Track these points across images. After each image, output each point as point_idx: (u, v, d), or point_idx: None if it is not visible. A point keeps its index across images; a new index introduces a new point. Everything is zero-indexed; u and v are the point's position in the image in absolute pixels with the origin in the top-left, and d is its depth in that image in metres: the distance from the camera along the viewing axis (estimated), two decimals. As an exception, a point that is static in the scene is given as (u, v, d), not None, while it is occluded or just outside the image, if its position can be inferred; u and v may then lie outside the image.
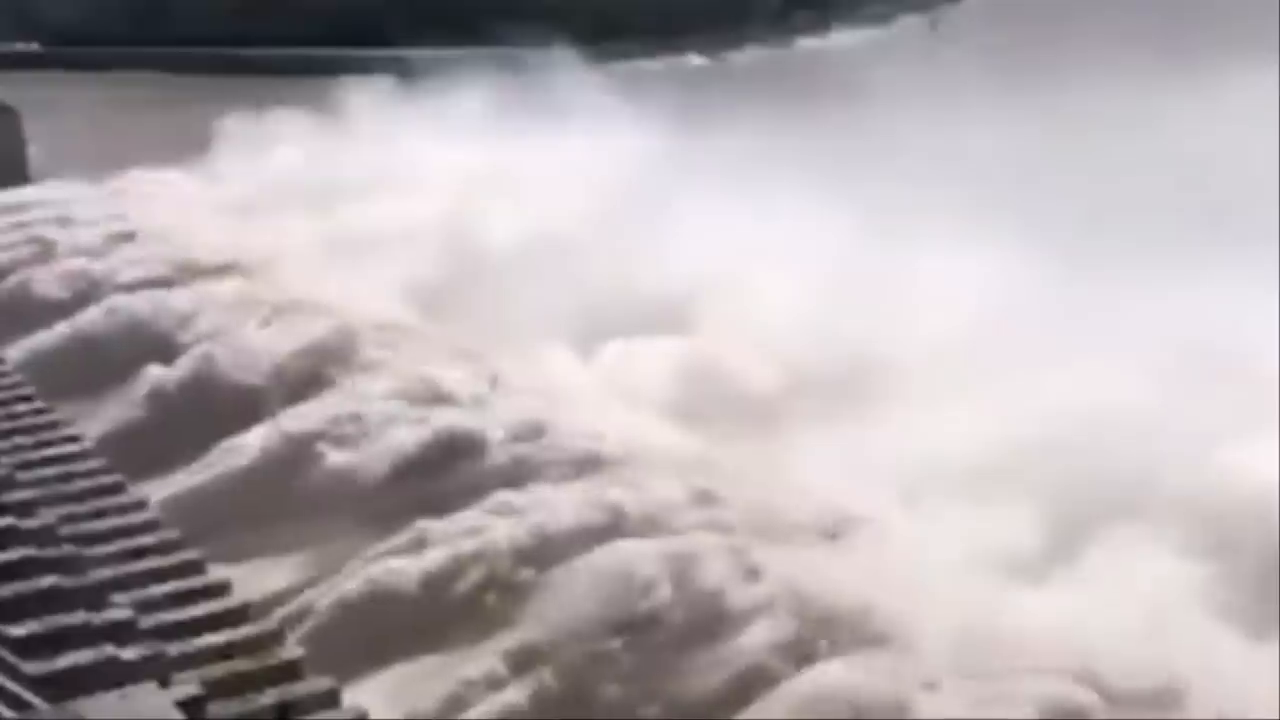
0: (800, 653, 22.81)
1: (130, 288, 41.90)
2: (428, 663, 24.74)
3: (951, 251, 34.32)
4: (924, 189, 39.09)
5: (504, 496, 28.15)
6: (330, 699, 20.37)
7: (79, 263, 44.79)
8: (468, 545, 26.70)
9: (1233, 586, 22.96)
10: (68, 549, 22.46)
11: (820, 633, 23.03)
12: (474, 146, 49.86)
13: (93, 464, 27.09)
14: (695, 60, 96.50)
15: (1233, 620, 22.37)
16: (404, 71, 62.23)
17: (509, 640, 24.43)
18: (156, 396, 35.50)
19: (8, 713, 16.49)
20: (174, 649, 20.23)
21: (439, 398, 32.40)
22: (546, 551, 26.34)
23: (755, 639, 23.17)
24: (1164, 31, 67.84)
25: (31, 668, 18.29)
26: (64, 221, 49.32)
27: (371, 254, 42.93)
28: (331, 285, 41.15)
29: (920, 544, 24.77)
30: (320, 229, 46.73)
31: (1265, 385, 26.02)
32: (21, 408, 30.15)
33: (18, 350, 38.42)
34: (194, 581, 22.78)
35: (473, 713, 23.46)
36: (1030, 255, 33.17)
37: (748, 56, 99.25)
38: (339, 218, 46.97)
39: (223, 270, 42.93)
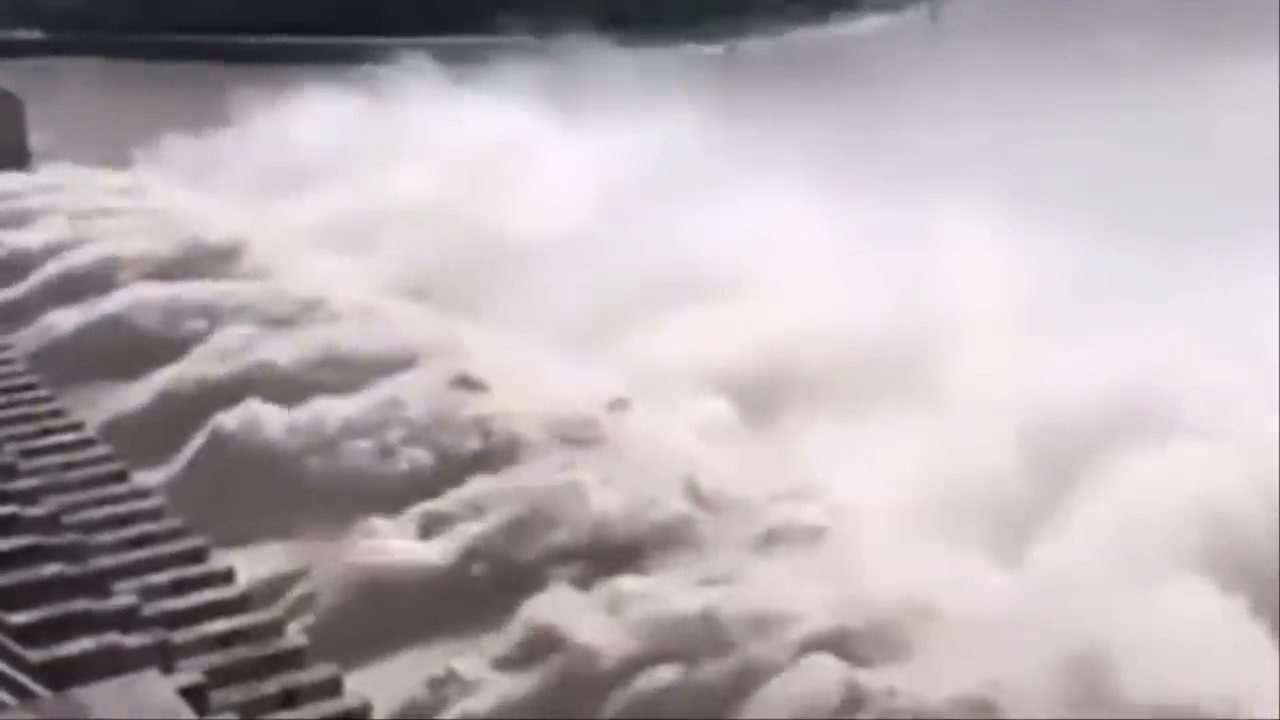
0: None
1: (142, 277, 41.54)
2: (433, 650, 24.64)
3: (973, 230, 34.54)
4: (933, 179, 38.99)
5: (511, 481, 28.08)
6: (333, 687, 20.44)
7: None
8: (476, 531, 26.63)
9: None
10: (71, 537, 22.56)
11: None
12: (497, 130, 49.96)
13: (96, 452, 27.19)
14: (706, 50, 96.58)
15: None
16: (414, 60, 62.00)
17: (515, 627, 24.33)
18: (163, 387, 35.36)
19: (11, 700, 16.49)
20: (177, 637, 20.31)
21: (464, 384, 32.03)
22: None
23: None
24: (1164, 20, 67.86)
25: (35, 655, 18.35)
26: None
27: (350, 250, 43.34)
28: (324, 270, 41.36)
29: None
30: (313, 217, 46.89)
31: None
32: (24, 396, 30.28)
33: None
34: (197, 569, 22.86)
35: (475, 702, 23.43)
36: (1059, 233, 33.49)
37: (752, 46, 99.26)
38: (333, 206, 47.14)
39: (231, 264, 42.72)
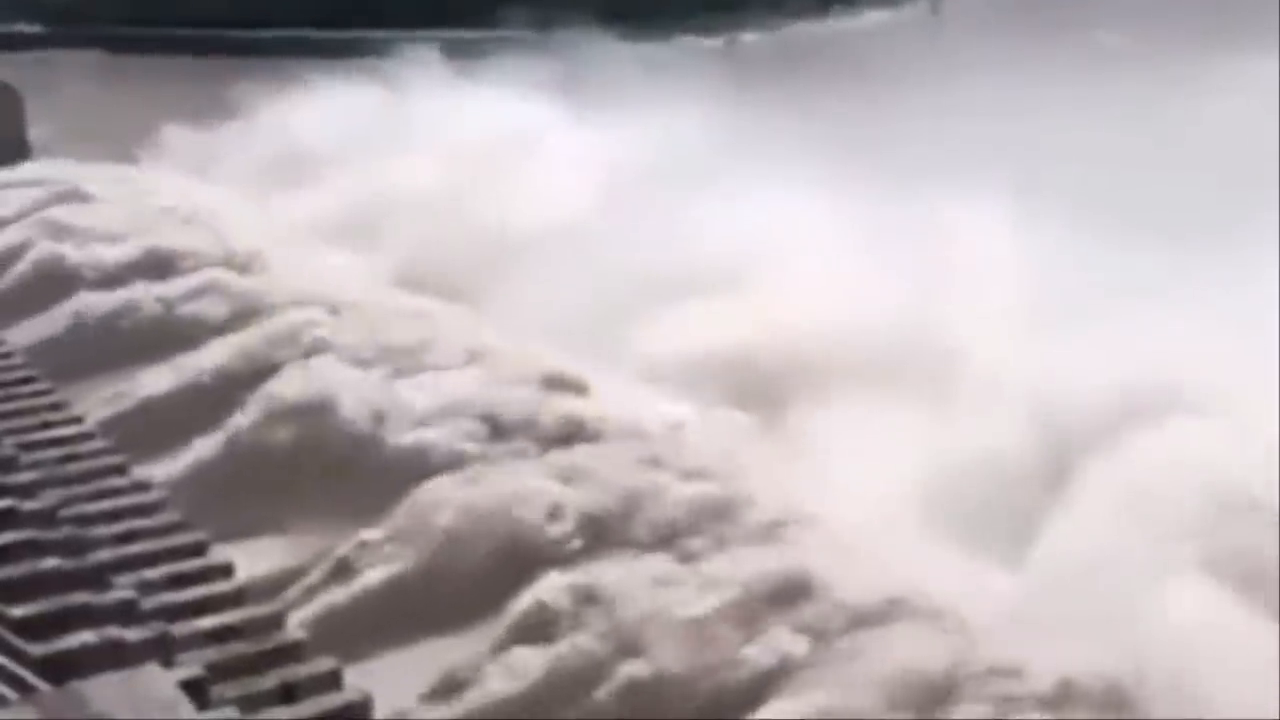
0: None
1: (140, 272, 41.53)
2: (433, 644, 24.69)
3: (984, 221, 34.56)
4: (935, 172, 38.96)
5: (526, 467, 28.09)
6: (332, 680, 20.41)
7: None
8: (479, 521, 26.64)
9: None
10: (69, 531, 22.52)
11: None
12: (504, 123, 49.97)
13: (95, 445, 27.15)
14: (705, 43, 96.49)
15: None
16: (416, 54, 61.98)
17: (515, 615, 24.39)
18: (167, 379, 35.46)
19: (10, 694, 16.47)
20: (177, 631, 20.27)
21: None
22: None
23: None
24: (1166, 16, 67.76)
25: (34, 649, 18.31)
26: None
27: (371, 246, 43.34)
28: (348, 266, 41.47)
29: None
30: (328, 213, 46.94)
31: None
32: (23, 389, 30.22)
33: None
34: (197, 563, 22.83)
35: (477, 693, 23.47)
36: (1066, 228, 33.51)
37: (752, 40, 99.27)
38: (348, 201, 47.16)
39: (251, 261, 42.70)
